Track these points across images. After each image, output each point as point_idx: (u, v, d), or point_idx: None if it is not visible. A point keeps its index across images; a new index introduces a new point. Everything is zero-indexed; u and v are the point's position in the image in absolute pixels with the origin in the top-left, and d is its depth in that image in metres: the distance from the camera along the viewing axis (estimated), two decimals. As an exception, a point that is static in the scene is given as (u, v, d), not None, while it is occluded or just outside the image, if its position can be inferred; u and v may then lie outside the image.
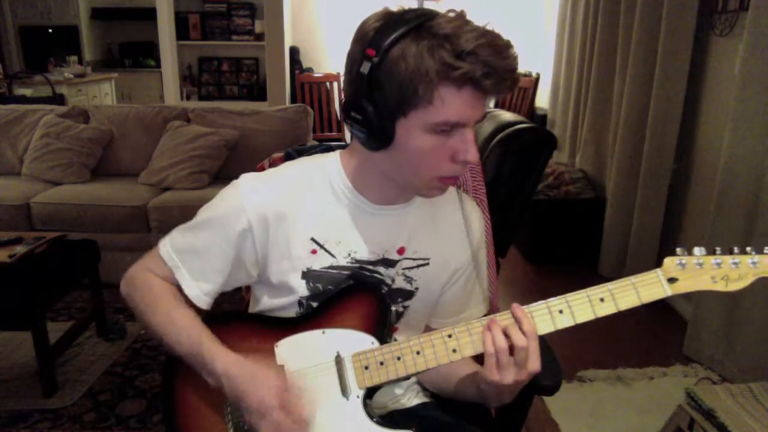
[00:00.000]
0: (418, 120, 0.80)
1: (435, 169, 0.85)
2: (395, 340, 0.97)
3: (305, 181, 0.95)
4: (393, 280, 0.99)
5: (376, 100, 0.80)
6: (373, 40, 0.79)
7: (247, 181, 0.95)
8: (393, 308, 1.00)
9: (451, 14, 0.79)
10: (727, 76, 2.46)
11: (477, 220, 1.05)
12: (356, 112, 0.82)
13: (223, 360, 0.86)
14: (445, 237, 1.01)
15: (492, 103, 4.61)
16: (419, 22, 0.78)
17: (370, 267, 0.97)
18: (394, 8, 0.83)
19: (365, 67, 0.79)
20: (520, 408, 1.17)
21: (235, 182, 0.96)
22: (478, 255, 1.05)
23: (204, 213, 0.97)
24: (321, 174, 0.96)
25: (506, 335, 0.82)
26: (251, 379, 0.84)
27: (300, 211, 0.93)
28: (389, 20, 0.79)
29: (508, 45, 0.78)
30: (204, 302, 0.97)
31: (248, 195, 0.92)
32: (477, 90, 0.78)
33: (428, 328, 1.08)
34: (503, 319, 0.84)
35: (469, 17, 0.80)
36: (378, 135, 0.82)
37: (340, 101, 0.91)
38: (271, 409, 0.82)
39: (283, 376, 0.87)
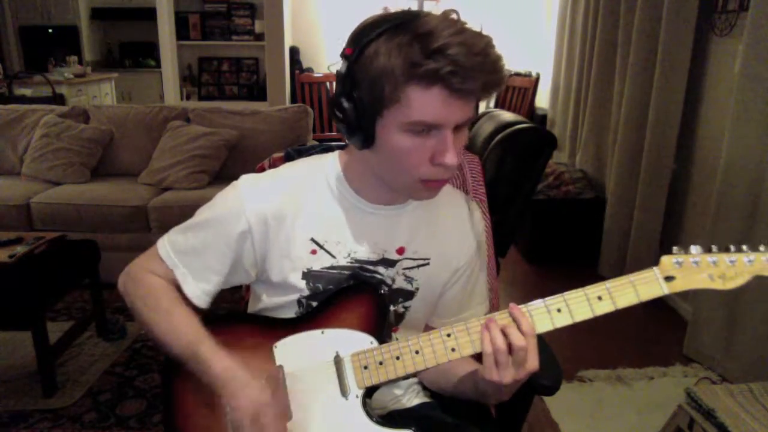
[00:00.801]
0: (393, 119, 0.80)
1: (415, 170, 0.84)
2: (396, 339, 0.97)
3: (304, 181, 0.96)
4: (393, 281, 0.99)
5: (354, 98, 0.80)
6: (354, 38, 0.79)
7: (246, 182, 0.95)
8: (393, 309, 1.00)
9: (437, 13, 0.79)
10: (727, 76, 2.46)
11: (477, 219, 1.05)
12: (338, 109, 0.83)
13: (217, 365, 0.87)
14: (445, 237, 1.01)
15: (492, 103, 4.61)
16: (400, 21, 0.77)
17: (370, 267, 0.97)
18: (392, 10, 0.83)
19: (342, 66, 0.80)
20: (520, 408, 1.17)
21: (234, 183, 0.96)
22: (478, 254, 1.05)
23: (203, 213, 0.97)
24: (319, 174, 0.96)
25: (504, 335, 0.82)
26: (237, 389, 0.85)
27: (299, 212, 0.94)
28: (375, 20, 0.80)
29: (486, 44, 0.75)
30: (203, 301, 0.97)
31: (248, 197, 0.93)
32: (448, 89, 0.76)
33: (428, 328, 1.08)
34: (501, 318, 0.84)
35: (459, 17, 0.79)
36: (359, 133, 0.83)
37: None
38: (243, 427, 0.83)
39: (266, 392, 0.86)
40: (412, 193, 0.90)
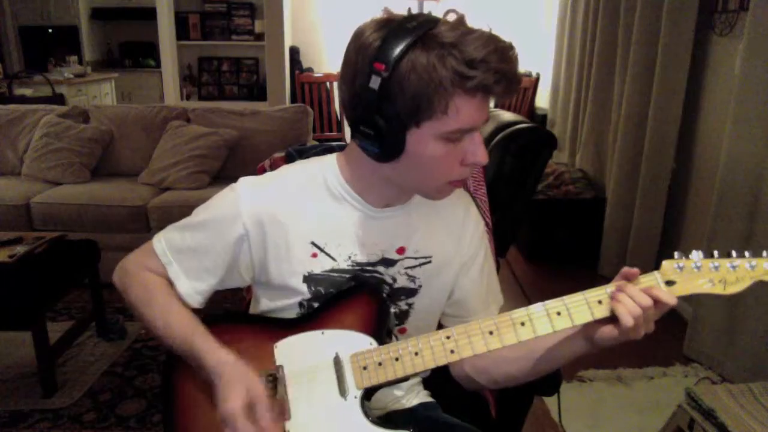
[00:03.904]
0: (431, 129, 0.80)
1: (447, 174, 0.85)
2: (397, 340, 0.97)
3: (303, 184, 0.96)
4: (395, 280, 0.99)
5: (387, 113, 0.79)
6: (380, 52, 0.77)
7: (244, 185, 0.95)
8: (396, 308, 1.00)
9: (451, 18, 0.79)
10: (727, 76, 2.46)
11: (475, 216, 1.05)
12: (366, 126, 0.81)
13: (213, 358, 0.87)
14: (446, 234, 1.01)
15: (492, 104, 4.61)
16: (423, 31, 0.77)
17: (370, 268, 0.97)
18: (387, 15, 0.82)
19: (375, 82, 0.77)
20: (520, 408, 1.17)
21: (233, 186, 0.96)
22: (482, 246, 1.05)
23: (201, 214, 0.97)
24: (318, 177, 0.96)
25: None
26: (231, 383, 0.84)
27: (299, 215, 0.94)
28: (391, 30, 0.78)
29: (510, 47, 0.78)
30: (196, 301, 0.97)
31: (245, 200, 0.93)
32: (487, 95, 0.79)
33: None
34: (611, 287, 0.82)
35: (468, 21, 0.80)
36: (389, 147, 0.82)
37: (341, 103, 0.90)
38: (235, 418, 0.82)
39: (261, 387, 0.85)
40: (435, 194, 0.90)
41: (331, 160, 0.97)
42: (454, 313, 1.07)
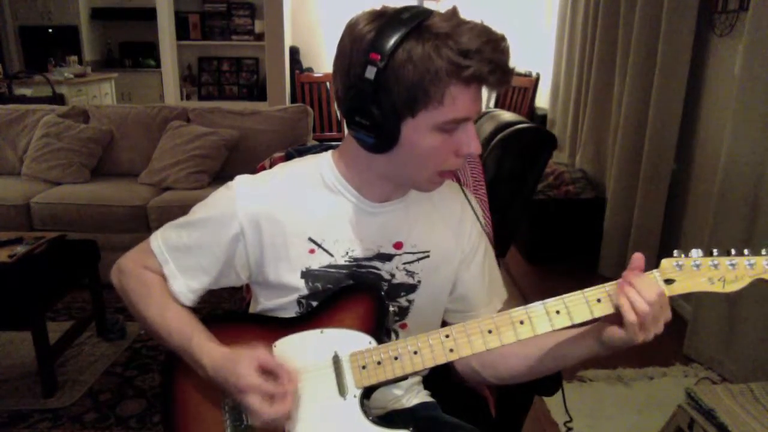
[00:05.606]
0: (426, 120, 0.80)
1: (440, 164, 0.86)
2: (396, 338, 0.96)
3: (300, 181, 0.96)
4: (393, 275, 0.99)
5: (383, 103, 0.79)
6: (375, 43, 0.78)
7: (240, 184, 0.95)
8: (396, 304, 1.00)
9: (445, 11, 0.79)
10: (727, 76, 2.46)
11: (472, 212, 1.05)
12: (362, 117, 0.81)
13: (209, 354, 0.88)
14: (444, 228, 1.01)
15: (492, 103, 4.61)
16: (417, 22, 0.77)
17: (366, 263, 0.97)
18: (379, 8, 0.82)
19: (371, 72, 0.78)
20: (520, 408, 1.17)
21: (229, 184, 0.96)
22: (481, 240, 1.05)
23: (198, 212, 0.98)
24: (315, 174, 0.96)
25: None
26: (232, 362, 0.85)
27: (296, 212, 0.94)
28: (386, 22, 0.79)
29: (503, 38, 0.79)
30: (189, 299, 0.97)
31: (241, 199, 0.93)
32: (482, 85, 0.80)
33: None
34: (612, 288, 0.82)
35: (462, 13, 0.80)
36: (384, 138, 0.82)
37: (335, 95, 0.91)
38: (257, 387, 0.82)
39: (261, 350, 0.86)
40: (426, 185, 0.91)
41: (327, 156, 0.97)
42: (457, 308, 1.07)
